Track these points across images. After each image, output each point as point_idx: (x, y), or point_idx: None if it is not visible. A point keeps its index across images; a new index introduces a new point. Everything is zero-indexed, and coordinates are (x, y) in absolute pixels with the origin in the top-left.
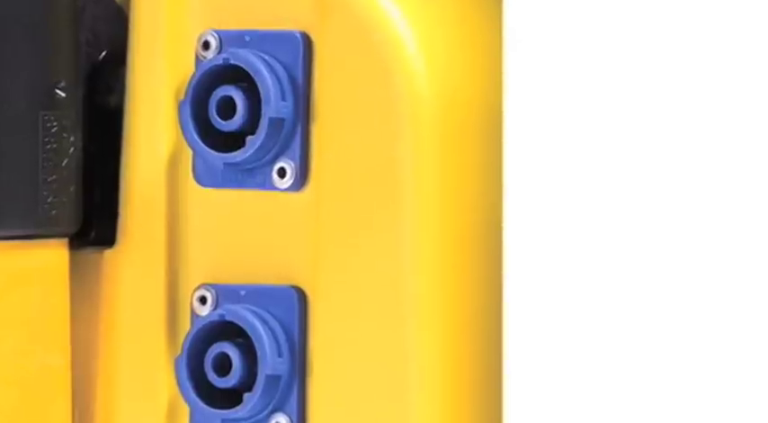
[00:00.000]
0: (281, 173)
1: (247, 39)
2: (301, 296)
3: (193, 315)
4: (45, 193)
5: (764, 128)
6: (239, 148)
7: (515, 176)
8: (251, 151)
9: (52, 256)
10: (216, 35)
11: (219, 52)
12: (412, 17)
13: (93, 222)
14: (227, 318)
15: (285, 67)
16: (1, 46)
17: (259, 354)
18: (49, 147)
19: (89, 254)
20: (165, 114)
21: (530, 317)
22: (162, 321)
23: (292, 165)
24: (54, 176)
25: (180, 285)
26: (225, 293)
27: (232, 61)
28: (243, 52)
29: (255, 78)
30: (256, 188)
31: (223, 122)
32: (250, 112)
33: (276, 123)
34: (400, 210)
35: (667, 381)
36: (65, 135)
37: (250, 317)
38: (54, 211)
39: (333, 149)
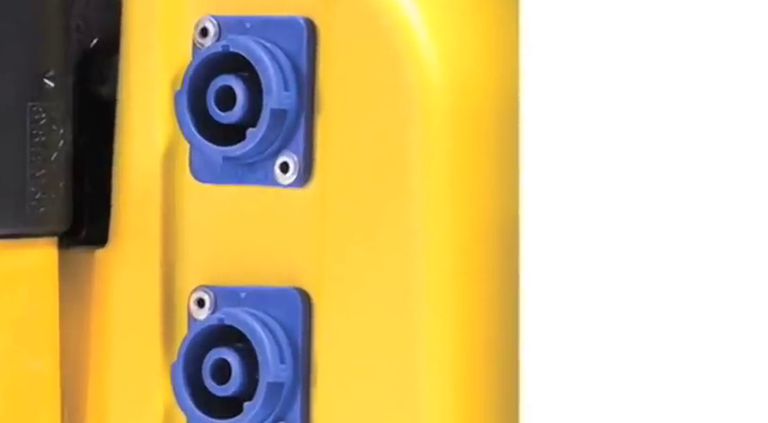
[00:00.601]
0: (284, 167)
1: (248, 25)
2: (305, 298)
3: (190, 319)
4: (33, 189)
5: None
6: (239, 141)
7: (532, 168)
8: (252, 145)
9: (40, 255)
10: (214, 21)
11: (218, 39)
12: (422, 1)
13: (84, 220)
14: (227, 322)
15: (288, 55)
16: None
17: (260, 360)
18: (37, 140)
19: (79, 253)
20: (161, 105)
21: (548, 316)
22: (157, 325)
23: (295, 159)
24: (42, 171)
25: (176, 287)
26: (224, 296)
27: (232, 49)
28: (243, 39)
29: (256, 67)
30: (257, 184)
31: (222, 114)
32: (251, 103)
33: (278, 115)
34: (410, 205)
35: (680, 375)
36: (54, 127)
37: (250, 321)
38: (42, 209)
39: (338, 142)
